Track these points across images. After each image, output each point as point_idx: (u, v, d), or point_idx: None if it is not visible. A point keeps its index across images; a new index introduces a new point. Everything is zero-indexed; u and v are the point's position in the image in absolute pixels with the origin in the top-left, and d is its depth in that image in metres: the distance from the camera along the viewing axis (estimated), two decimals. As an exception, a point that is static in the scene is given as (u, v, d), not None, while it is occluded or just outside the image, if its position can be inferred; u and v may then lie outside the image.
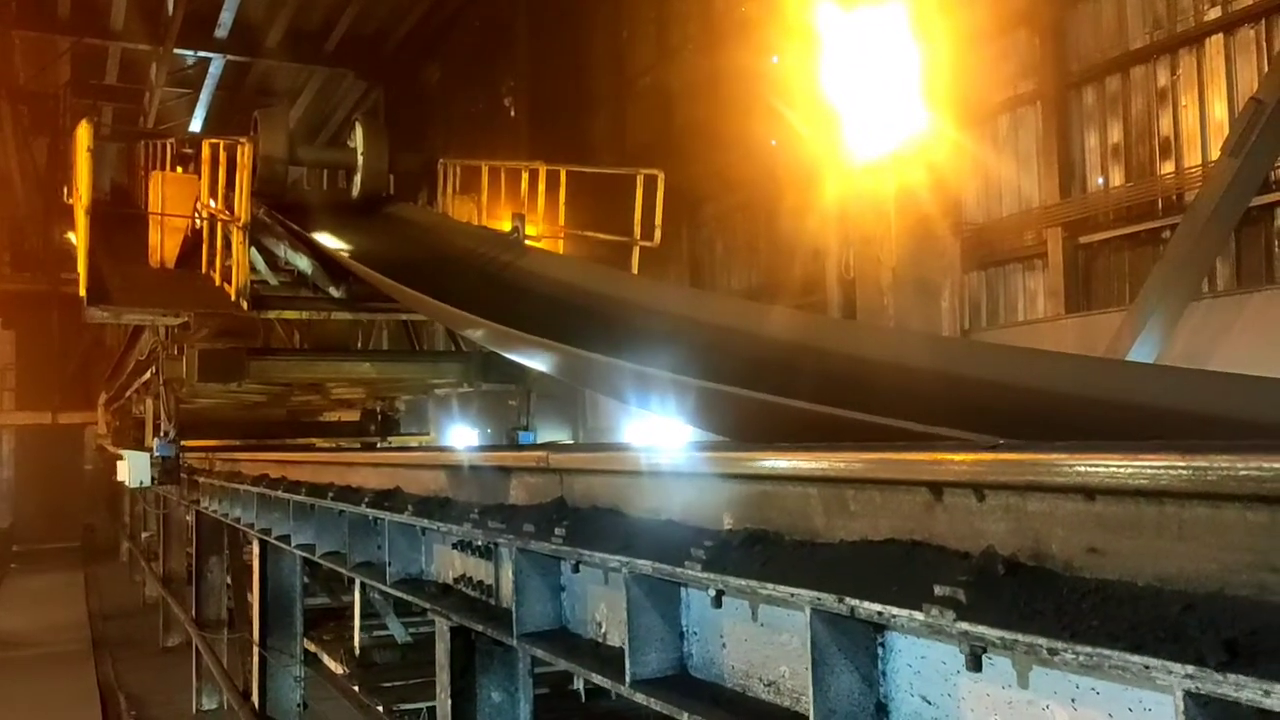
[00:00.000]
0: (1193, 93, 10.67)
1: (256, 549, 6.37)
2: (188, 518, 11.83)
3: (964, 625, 1.31)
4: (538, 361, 5.38)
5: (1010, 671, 1.44)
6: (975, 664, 1.35)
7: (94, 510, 27.24)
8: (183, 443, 9.69)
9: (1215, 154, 10.37)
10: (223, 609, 9.63)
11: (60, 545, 25.58)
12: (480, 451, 3.52)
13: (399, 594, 3.64)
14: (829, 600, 1.50)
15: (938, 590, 1.35)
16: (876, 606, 1.45)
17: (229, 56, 28.47)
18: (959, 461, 1.48)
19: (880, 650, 1.59)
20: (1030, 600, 1.30)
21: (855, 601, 1.47)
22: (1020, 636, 1.25)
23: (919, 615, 1.37)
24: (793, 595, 1.57)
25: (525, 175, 9.61)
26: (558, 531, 2.38)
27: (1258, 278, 10.04)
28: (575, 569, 2.40)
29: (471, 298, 6.38)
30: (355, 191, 10.96)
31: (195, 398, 11.28)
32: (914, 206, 11.89)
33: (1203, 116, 10.57)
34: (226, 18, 26.52)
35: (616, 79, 20.85)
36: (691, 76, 18.18)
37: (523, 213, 9.22)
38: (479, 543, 2.97)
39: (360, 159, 10.84)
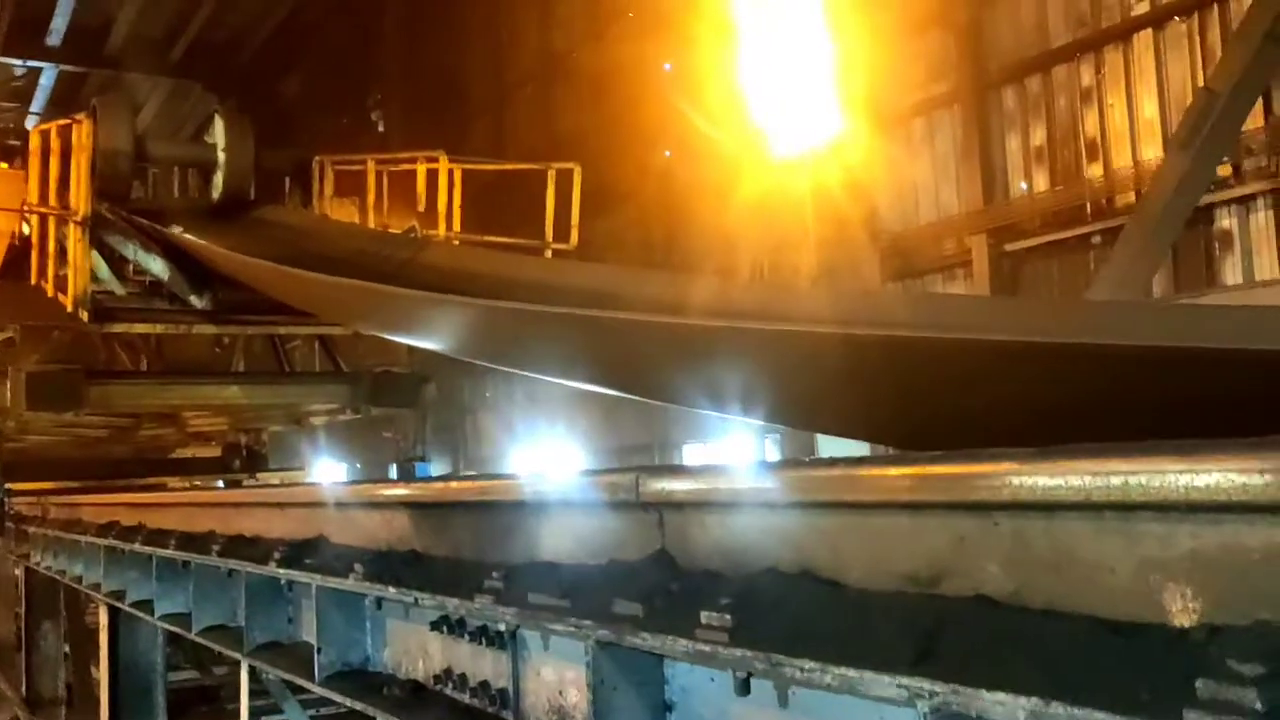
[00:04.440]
0: (1120, 91, 10.26)
1: (105, 618, 5.01)
2: (17, 571, 10.10)
3: None
4: (446, 334, 4.80)
5: None
6: None
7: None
8: (8, 485, 8.12)
9: (1146, 154, 9.98)
10: (60, 685, 8.04)
11: None
12: (466, 481, 2.41)
13: (336, 696, 2.46)
14: None
15: None
16: None
17: (62, 66, 26.25)
18: None
19: None
20: None
21: None
22: None
23: None
24: None
25: (422, 170, 8.42)
26: (708, 619, 1.30)
27: (1197, 281, 9.63)
28: (744, 688, 1.32)
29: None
30: (216, 193, 9.51)
31: (22, 434, 9.67)
32: (832, 208, 11.17)
33: (1131, 115, 10.17)
34: (60, 23, 24.43)
35: (495, 87, 19.73)
36: (578, 83, 17.23)
37: (420, 210, 8.07)
38: (502, 626, 1.84)
39: (221, 155, 9.42)
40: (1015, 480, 1.08)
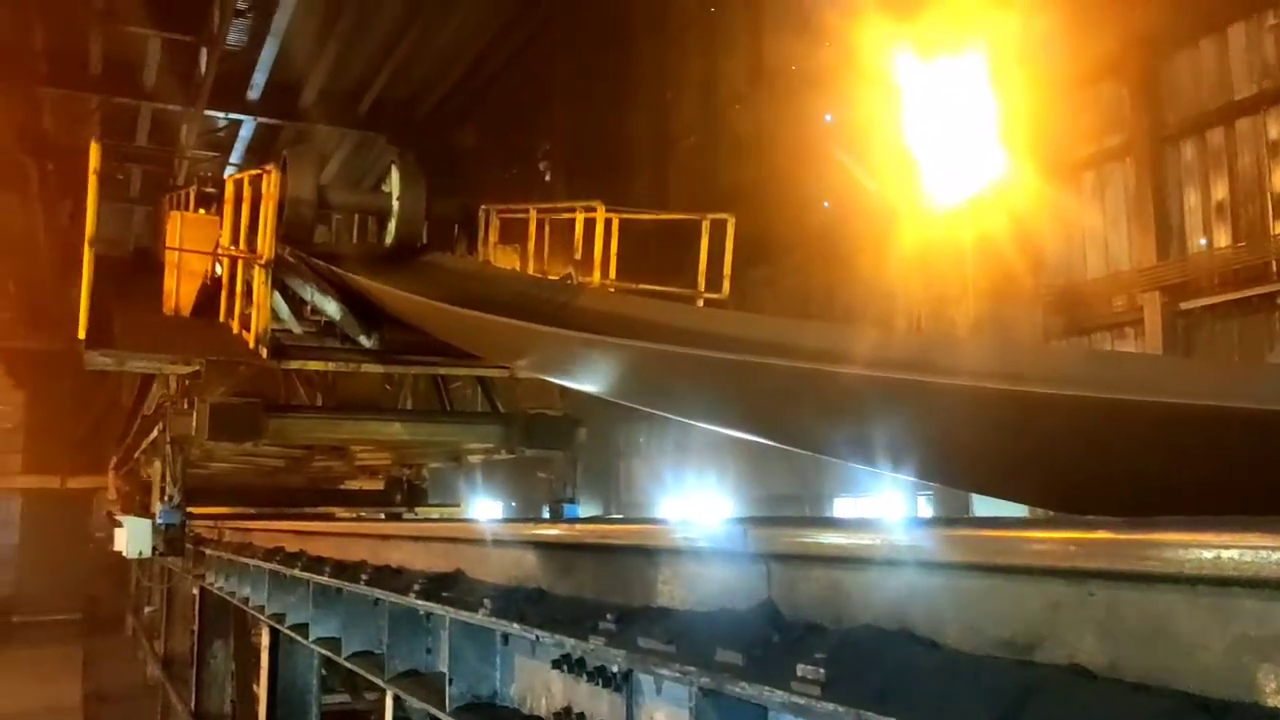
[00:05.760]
0: (1311, 145, 9.70)
1: (266, 638, 5.29)
2: (194, 590, 10.73)
3: None
4: (598, 374, 4.76)
5: None
6: None
7: (98, 580, 26.11)
8: (190, 509, 8.67)
9: (1340, 211, 9.39)
10: (226, 701, 8.49)
11: (62, 617, 24.40)
12: (589, 524, 2.49)
13: (464, 727, 2.56)
14: None
15: None
16: None
17: (260, 119, 28.12)
18: None
19: None
20: None
21: None
22: None
23: None
24: None
25: (580, 219, 8.67)
26: (803, 671, 1.32)
27: (1397, 347, 8.95)
28: (841, 742, 1.33)
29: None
30: (389, 239, 10.03)
31: (207, 461, 10.33)
32: (994, 261, 10.89)
33: (1324, 171, 9.59)
34: (259, 79, 26.17)
35: (659, 140, 20.10)
36: (740, 137, 17.39)
37: (577, 258, 8.30)
38: (615, 668, 1.90)
39: (395, 203, 9.94)
40: (1107, 549, 1.07)
